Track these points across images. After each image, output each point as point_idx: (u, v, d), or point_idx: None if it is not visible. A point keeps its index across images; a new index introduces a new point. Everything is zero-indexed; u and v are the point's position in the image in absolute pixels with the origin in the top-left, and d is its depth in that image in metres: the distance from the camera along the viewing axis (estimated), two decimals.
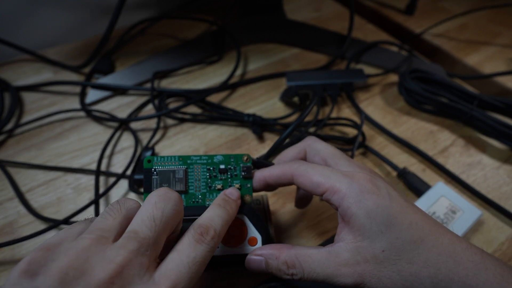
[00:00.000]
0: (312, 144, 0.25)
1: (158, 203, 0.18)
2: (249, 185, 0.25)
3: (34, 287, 0.14)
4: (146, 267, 0.16)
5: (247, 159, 0.25)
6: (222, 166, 0.25)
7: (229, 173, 0.25)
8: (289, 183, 0.24)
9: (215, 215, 0.21)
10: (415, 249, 0.19)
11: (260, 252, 0.22)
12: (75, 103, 0.42)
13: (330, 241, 0.30)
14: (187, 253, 0.18)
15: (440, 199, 0.32)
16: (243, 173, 0.25)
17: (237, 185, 0.25)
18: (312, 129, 0.38)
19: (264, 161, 0.27)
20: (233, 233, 0.25)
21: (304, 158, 0.25)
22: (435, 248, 0.20)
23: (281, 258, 0.21)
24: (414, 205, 0.22)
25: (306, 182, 0.22)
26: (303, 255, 0.21)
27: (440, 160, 0.37)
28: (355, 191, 0.21)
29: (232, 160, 0.25)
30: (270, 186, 0.25)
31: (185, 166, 0.25)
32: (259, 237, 0.25)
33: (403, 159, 0.37)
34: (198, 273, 0.18)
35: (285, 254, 0.21)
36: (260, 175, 0.25)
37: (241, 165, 0.25)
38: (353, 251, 0.20)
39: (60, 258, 0.15)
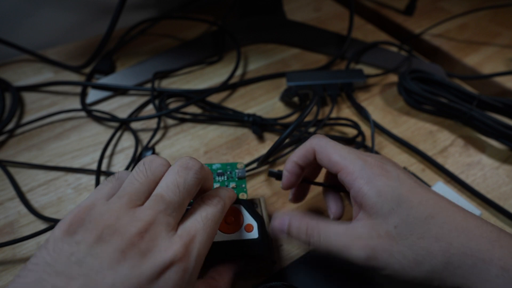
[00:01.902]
0: (319, 142, 0.26)
1: (180, 172, 0.20)
2: (243, 185, 0.29)
3: (74, 241, 0.17)
4: (172, 226, 0.19)
5: (241, 165, 0.30)
6: (219, 171, 0.29)
7: (225, 176, 0.29)
8: (314, 158, 0.25)
9: (218, 189, 0.24)
10: (426, 224, 0.20)
11: (287, 214, 0.24)
12: (75, 103, 0.42)
13: None
14: (199, 212, 0.20)
15: None
16: (238, 174, 0.29)
17: (233, 185, 0.29)
18: (312, 129, 0.38)
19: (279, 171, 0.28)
20: (230, 221, 0.26)
21: (313, 158, 0.26)
22: (446, 224, 0.20)
23: (304, 221, 0.23)
24: (425, 186, 0.23)
25: (324, 159, 0.24)
26: (323, 223, 0.23)
27: (440, 160, 0.37)
28: (366, 173, 0.22)
29: (228, 167, 0.30)
30: (302, 169, 0.26)
31: None
32: (255, 224, 0.27)
33: (402, 159, 0.37)
34: (211, 229, 0.20)
35: (308, 218, 0.23)
36: (291, 159, 0.26)
37: (236, 170, 0.29)
38: (368, 227, 0.21)
39: (95, 219, 0.17)
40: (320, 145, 0.25)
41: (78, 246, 0.16)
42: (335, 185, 0.28)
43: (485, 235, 0.20)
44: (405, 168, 0.35)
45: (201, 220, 0.20)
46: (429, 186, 0.33)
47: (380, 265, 0.21)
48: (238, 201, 0.28)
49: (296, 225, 0.23)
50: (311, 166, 0.28)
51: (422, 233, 0.20)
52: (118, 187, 0.20)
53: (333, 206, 0.27)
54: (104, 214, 0.18)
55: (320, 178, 0.30)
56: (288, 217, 0.24)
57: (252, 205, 0.28)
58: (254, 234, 0.26)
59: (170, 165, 0.22)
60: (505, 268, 0.19)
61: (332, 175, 0.28)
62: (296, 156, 0.26)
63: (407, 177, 0.23)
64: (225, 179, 0.29)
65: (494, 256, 0.19)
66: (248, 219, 0.27)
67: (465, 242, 0.20)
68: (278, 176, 0.28)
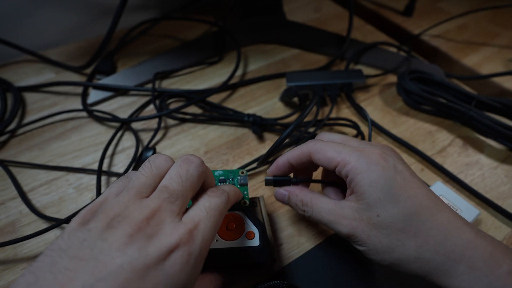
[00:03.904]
0: (324, 137, 0.28)
1: (182, 165, 0.22)
2: (245, 192, 0.29)
3: (86, 229, 0.18)
4: (176, 213, 0.20)
5: (243, 172, 0.29)
6: (221, 178, 0.29)
7: (227, 182, 0.29)
8: (308, 161, 0.26)
9: (222, 185, 0.25)
10: (408, 220, 0.22)
11: (287, 189, 0.27)
12: (76, 103, 0.42)
13: (330, 239, 0.30)
14: (203, 203, 0.21)
15: None
16: (240, 181, 0.29)
17: None
18: (311, 129, 0.38)
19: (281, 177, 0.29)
20: (232, 227, 0.27)
21: (307, 160, 0.27)
22: (428, 223, 0.22)
23: (299, 196, 0.26)
24: (419, 180, 0.23)
25: (321, 158, 0.25)
26: (316, 199, 0.25)
27: (439, 160, 0.37)
28: (362, 162, 0.23)
29: (231, 174, 0.29)
30: (293, 168, 0.28)
31: None
32: (256, 231, 0.27)
33: None
34: (215, 218, 0.21)
35: (304, 194, 0.26)
36: (284, 157, 0.27)
37: (238, 177, 0.29)
38: (353, 210, 0.23)
39: (106, 210, 0.19)
40: (315, 147, 0.26)
41: (90, 232, 0.18)
42: (333, 182, 0.28)
43: (462, 236, 0.21)
44: None
45: (205, 210, 0.21)
46: (428, 185, 0.34)
47: (357, 242, 0.23)
48: (240, 208, 0.28)
49: (294, 199, 0.26)
50: (304, 168, 0.29)
51: (402, 227, 0.22)
52: (128, 184, 0.21)
53: (332, 196, 0.28)
54: (114, 205, 0.19)
55: (317, 175, 0.30)
56: (287, 192, 0.27)
57: (254, 212, 0.28)
58: (255, 241, 0.26)
59: (173, 161, 0.23)
60: (472, 267, 0.21)
61: (329, 172, 0.29)
62: (290, 155, 0.27)
63: (404, 169, 0.23)
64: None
65: (465, 256, 0.21)
66: (250, 226, 0.27)
67: (442, 241, 0.21)
68: (275, 183, 0.28)
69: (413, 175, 0.24)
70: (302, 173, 0.29)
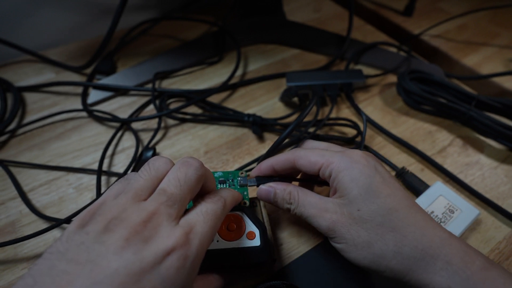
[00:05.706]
0: (308, 145, 0.29)
1: (181, 168, 0.22)
2: (245, 193, 0.29)
3: (84, 232, 0.18)
4: (173, 217, 0.20)
5: (242, 173, 0.29)
6: (221, 179, 0.29)
7: (227, 184, 0.29)
8: (292, 167, 0.27)
9: (220, 189, 0.25)
10: (387, 215, 0.23)
11: (272, 185, 0.27)
12: (77, 103, 0.42)
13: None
14: (200, 208, 0.22)
15: (438, 198, 0.32)
16: (240, 182, 0.29)
17: None
18: (311, 129, 0.38)
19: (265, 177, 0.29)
20: (232, 228, 0.27)
21: (290, 166, 0.27)
22: (406, 219, 0.23)
23: (287, 189, 0.26)
24: (397, 183, 0.25)
25: (305, 163, 0.26)
26: (302, 192, 0.26)
27: (439, 160, 0.37)
28: (345, 161, 0.24)
29: (230, 175, 0.29)
30: (275, 173, 0.28)
31: None
32: (257, 232, 0.27)
33: (401, 159, 0.37)
34: (212, 223, 0.21)
35: (292, 188, 0.27)
36: (268, 162, 0.28)
37: (238, 178, 0.29)
38: (335, 204, 0.24)
39: (104, 212, 0.19)
40: (299, 154, 0.27)
41: (88, 235, 0.18)
42: (310, 178, 0.29)
43: (438, 235, 0.22)
44: (403, 168, 0.35)
45: (201, 214, 0.21)
46: (428, 185, 0.34)
47: (336, 238, 0.24)
48: (240, 209, 0.28)
49: (281, 194, 0.27)
50: (285, 174, 0.29)
51: (382, 222, 0.23)
52: (127, 186, 0.21)
53: None
54: (112, 208, 0.19)
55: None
56: (272, 188, 0.27)
57: (254, 213, 0.28)
58: (256, 241, 0.26)
59: (173, 164, 0.23)
60: (449, 262, 0.21)
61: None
62: (275, 161, 0.28)
63: (383, 170, 0.25)
64: (227, 186, 0.29)
65: (442, 252, 0.22)
66: (250, 226, 0.27)
67: (419, 237, 0.22)
68: (258, 180, 0.29)
69: (392, 177, 0.25)
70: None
